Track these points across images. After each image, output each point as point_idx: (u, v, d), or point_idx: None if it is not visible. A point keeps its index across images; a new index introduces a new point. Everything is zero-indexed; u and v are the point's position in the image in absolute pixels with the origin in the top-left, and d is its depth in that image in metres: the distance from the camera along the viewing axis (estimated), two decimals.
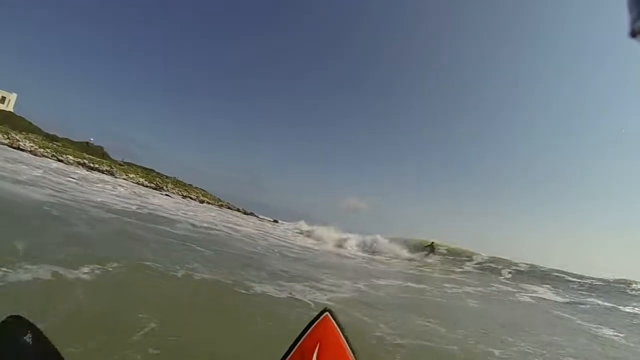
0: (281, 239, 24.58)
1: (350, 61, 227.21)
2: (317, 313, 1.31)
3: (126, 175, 58.87)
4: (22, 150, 43.93)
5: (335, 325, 1.30)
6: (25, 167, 22.60)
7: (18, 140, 46.76)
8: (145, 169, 75.95)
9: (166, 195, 52.46)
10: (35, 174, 19.79)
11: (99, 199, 16.90)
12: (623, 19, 0.72)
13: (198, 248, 10.79)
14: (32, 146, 47.25)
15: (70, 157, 50.73)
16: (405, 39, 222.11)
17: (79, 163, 50.27)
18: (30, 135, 55.59)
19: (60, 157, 48.38)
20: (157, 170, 78.99)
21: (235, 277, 8.00)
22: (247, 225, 30.75)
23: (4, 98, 69.06)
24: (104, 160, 63.72)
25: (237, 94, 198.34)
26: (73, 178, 25.54)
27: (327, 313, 1.32)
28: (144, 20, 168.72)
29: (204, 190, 78.34)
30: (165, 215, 18.47)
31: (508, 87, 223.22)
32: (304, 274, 10.84)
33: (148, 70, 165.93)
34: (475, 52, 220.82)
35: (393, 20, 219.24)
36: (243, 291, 6.99)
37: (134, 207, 18.11)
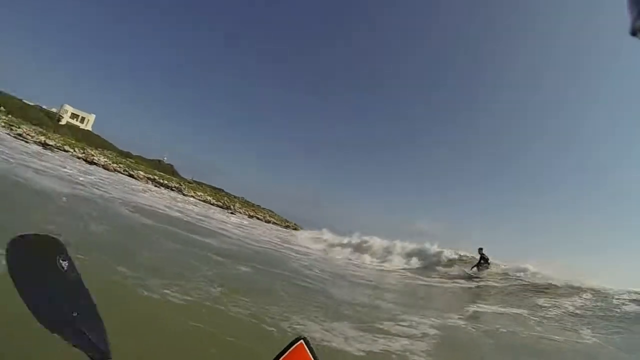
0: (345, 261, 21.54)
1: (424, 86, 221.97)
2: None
3: (194, 192, 59.26)
4: (96, 164, 45.14)
5: (310, 354, 1.18)
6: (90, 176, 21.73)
7: (92, 155, 48.18)
8: (214, 188, 76.71)
9: (231, 213, 51.65)
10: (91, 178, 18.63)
11: (138, 200, 15.13)
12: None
13: (237, 266, 8.24)
14: (105, 161, 48.72)
15: (141, 173, 52.00)
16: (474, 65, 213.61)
17: (148, 178, 51.33)
18: (105, 151, 57.74)
19: (132, 172, 49.54)
20: (225, 190, 79.52)
21: (255, 305, 5.22)
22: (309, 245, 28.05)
23: (83, 118, 76.06)
24: (174, 178, 64.84)
25: (304, 116, 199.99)
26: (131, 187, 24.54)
27: (302, 341, 1.17)
28: (222, 46, 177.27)
29: (271, 211, 77.41)
30: (211, 228, 16.29)
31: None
32: (368, 308, 7.82)
33: (219, 94, 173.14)
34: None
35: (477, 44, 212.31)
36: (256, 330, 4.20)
37: (176, 214, 16.18)
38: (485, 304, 10.82)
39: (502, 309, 9.95)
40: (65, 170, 20.11)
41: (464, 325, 7.53)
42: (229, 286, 5.90)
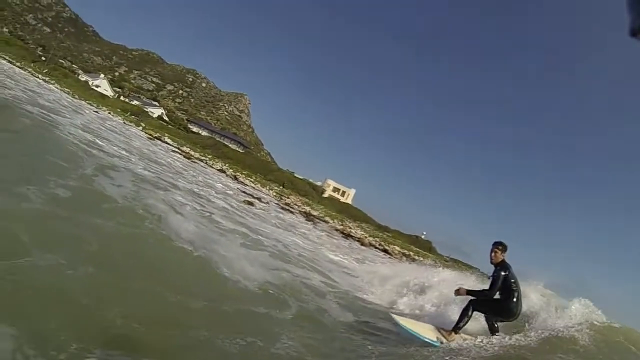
0: None
1: None
2: None
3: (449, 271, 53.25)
4: (352, 237, 43.55)
5: None
6: None
7: (350, 228, 47.19)
8: (470, 267, 69.08)
9: None
10: None
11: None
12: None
13: None
14: (362, 234, 47.21)
15: (397, 248, 49.05)
16: None
17: (403, 254, 47.62)
18: (362, 224, 57.40)
19: (387, 247, 46.72)
20: (482, 271, 70.43)
21: None
22: None
23: (344, 192, 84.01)
24: (430, 254, 60.39)
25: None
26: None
27: None
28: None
29: None
30: None
31: None
32: None
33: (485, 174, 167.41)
34: None
35: None
36: None
37: None
38: None
39: None
40: None
41: None
42: None
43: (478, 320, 6.88)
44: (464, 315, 6.15)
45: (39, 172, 6.76)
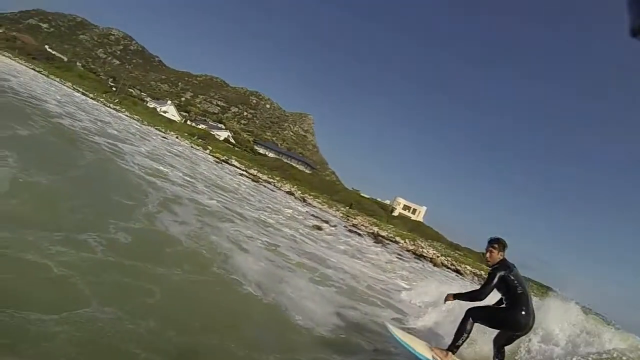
0: None
1: None
2: None
3: None
4: (424, 257, 42.21)
5: None
6: None
7: (422, 248, 45.77)
8: (541, 285, 65.03)
9: None
10: None
11: None
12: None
13: None
14: (434, 253, 45.62)
15: (468, 267, 46.96)
16: None
17: (475, 274, 45.52)
18: (434, 243, 55.93)
19: (459, 267, 44.84)
20: (554, 289, 66.02)
21: None
22: None
23: (415, 210, 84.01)
24: None
25: None
26: None
27: None
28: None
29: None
30: None
31: None
32: None
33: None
34: None
35: None
36: None
37: None
38: None
39: None
40: None
41: None
42: None
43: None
44: (462, 329, 5.00)
45: (100, 214, 6.79)
